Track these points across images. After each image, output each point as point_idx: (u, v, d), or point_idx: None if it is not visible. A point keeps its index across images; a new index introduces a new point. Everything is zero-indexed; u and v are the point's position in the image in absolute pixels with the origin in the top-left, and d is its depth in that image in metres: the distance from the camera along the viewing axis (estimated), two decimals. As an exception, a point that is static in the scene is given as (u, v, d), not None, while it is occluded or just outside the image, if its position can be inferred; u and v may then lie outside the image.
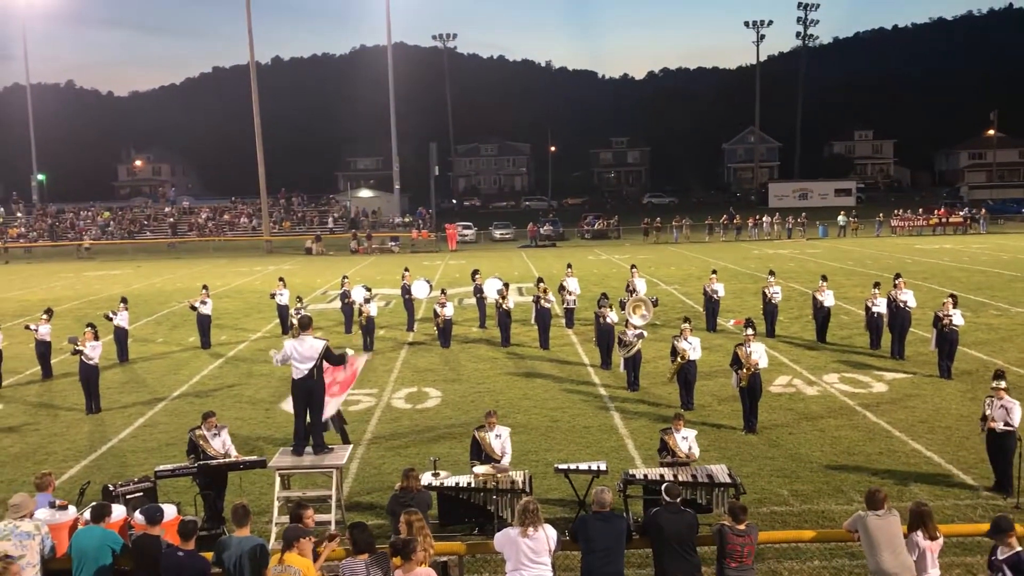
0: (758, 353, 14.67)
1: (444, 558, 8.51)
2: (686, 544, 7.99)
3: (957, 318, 17.53)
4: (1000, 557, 7.44)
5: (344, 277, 27.18)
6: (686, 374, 15.93)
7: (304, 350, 10.96)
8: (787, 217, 62.44)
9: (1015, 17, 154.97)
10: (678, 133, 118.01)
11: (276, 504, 10.66)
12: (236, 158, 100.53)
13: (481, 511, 10.47)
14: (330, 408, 11.56)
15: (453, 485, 10.58)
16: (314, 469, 11.09)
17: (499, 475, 10.58)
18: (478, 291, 25.60)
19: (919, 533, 7.93)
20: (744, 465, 12.68)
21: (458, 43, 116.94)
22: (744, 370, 14.50)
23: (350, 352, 12.23)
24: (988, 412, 11.50)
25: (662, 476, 10.43)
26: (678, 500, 8.40)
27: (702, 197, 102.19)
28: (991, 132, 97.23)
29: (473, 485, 10.50)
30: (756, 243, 56.83)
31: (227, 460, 11.15)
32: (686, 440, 11.26)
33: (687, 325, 16.46)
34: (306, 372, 10.94)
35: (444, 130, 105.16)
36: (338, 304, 27.61)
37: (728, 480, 10.45)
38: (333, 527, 9.97)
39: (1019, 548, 7.35)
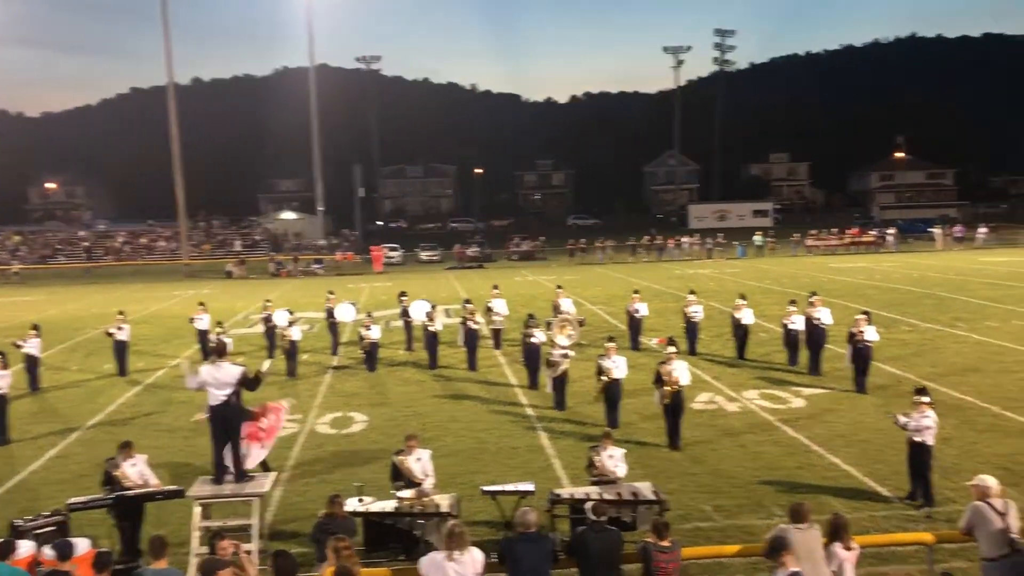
0: (680, 371, 14.91)
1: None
2: (612, 563, 8.04)
3: (870, 334, 18.10)
4: None
5: (266, 301, 26.73)
6: (611, 393, 16.08)
7: (221, 376, 10.74)
8: (707, 238, 63.77)
9: (919, 46, 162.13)
10: (601, 156, 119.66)
11: (195, 535, 10.38)
12: (154, 180, 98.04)
13: (407, 536, 10.37)
14: (254, 457, 11.30)
15: (378, 511, 10.47)
16: (235, 498, 10.84)
17: (424, 499, 10.51)
18: (404, 313, 25.46)
19: (837, 544, 8.14)
20: (668, 482, 12.83)
21: (382, 65, 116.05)
22: (667, 388, 14.71)
23: (265, 366, 12.09)
24: (909, 423, 11.83)
25: (588, 495, 10.49)
26: (604, 519, 8.46)
27: (625, 219, 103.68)
28: (899, 155, 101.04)
29: (399, 510, 10.40)
30: (677, 263, 57.86)
31: (144, 490, 10.83)
32: (613, 458, 11.36)
33: (611, 344, 16.63)
34: (223, 399, 10.71)
35: (369, 152, 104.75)
36: (260, 328, 27.14)
37: (653, 497, 10.58)
38: (255, 557, 9.75)
39: (794, 569, 7.24)
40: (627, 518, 10.47)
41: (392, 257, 65.16)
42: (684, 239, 64.28)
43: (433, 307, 23.61)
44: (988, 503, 8.43)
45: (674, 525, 10.25)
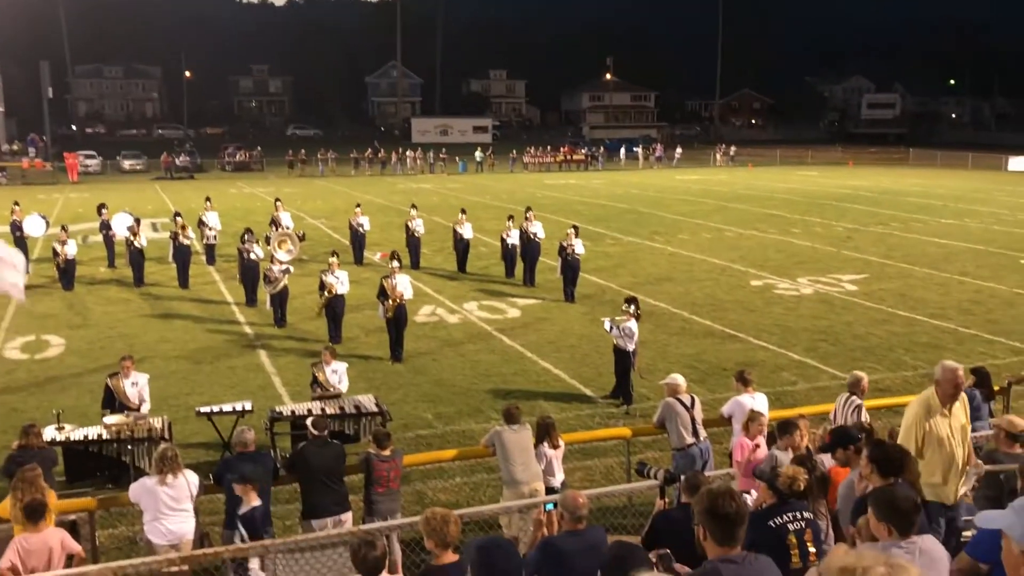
0: (403, 285, 15.06)
1: (72, 516, 7.86)
2: (333, 475, 8.08)
3: (579, 247, 19.27)
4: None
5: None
6: (334, 308, 15.96)
7: None
8: (429, 152, 64.22)
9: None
10: (322, 64, 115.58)
11: None
12: None
13: (116, 463, 9.79)
14: None
15: (81, 438, 9.76)
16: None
17: (136, 423, 9.93)
18: (105, 227, 23.50)
19: (545, 444, 8.71)
20: (391, 393, 13.05)
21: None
22: (390, 301, 14.83)
23: None
24: (614, 331, 12.77)
25: (309, 411, 10.41)
26: (325, 433, 8.45)
27: (347, 131, 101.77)
28: (608, 77, 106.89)
29: (105, 436, 9.75)
30: (400, 178, 57.89)
31: None
32: (336, 373, 11.32)
33: (334, 259, 16.45)
34: None
35: (59, 48, 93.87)
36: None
37: (375, 409, 10.71)
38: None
39: None
40: (350, 431, 10.54)
41: (89, 166, 59.52)
42: (407, 153, 64.26)
43: (137, 221, 21.99)
44: (678, 399, 9.36)
45: (396, 434, 10.48)
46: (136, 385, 10.65)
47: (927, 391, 6.62)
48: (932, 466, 6.35)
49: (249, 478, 7.25)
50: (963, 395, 6.63)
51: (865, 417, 8.74)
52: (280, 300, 17.28)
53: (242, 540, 6.99)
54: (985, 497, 6.74)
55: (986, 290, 20.28)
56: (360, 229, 24.12)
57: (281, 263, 17.64)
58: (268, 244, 20.10)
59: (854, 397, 9.04)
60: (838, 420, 9.06)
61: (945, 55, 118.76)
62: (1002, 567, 3.11)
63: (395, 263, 15.53)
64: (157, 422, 10.13)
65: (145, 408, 10.50)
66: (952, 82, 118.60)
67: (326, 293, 15.83)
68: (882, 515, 4.18)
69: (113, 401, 10.56)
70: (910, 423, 6.52)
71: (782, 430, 7.50)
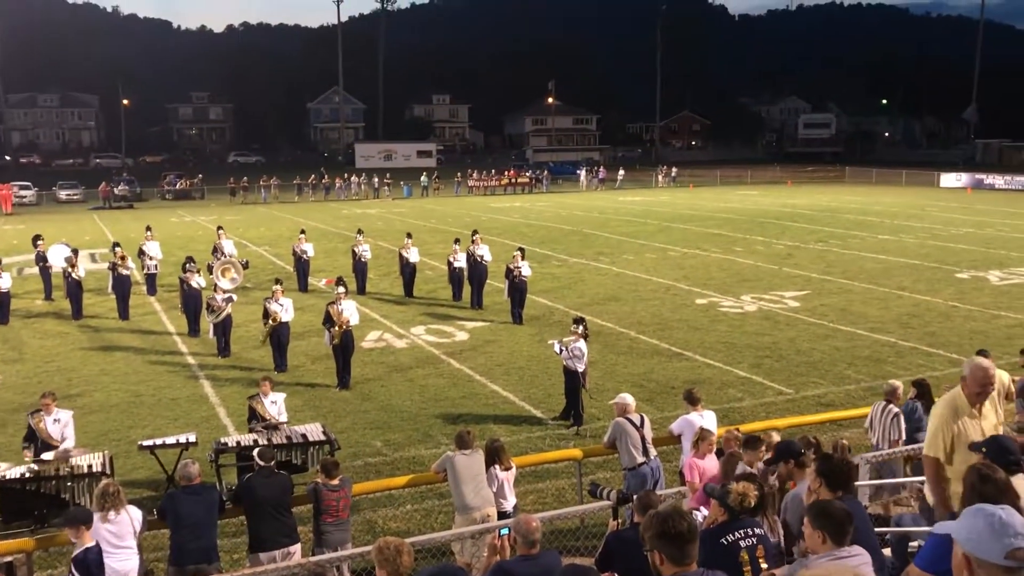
0: (349, 311, 14.92)
1: (9, 558, 7.59)
2: (281, 506, 7.92)
3: (525, 269, 19.33)
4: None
5: None
6: (279, 336, 15.76)
7: None
8: (373, 177, 63.97)
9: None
10: (263, 91, 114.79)
11: None
12: None
13: (54, 501, 9.47)
14: None
15: (17, 476, 9.44)
16: None
17: (73, 459, 9.65)
18: (41, 259, 22.93)
19: (496, 467, 8.66)
20: (339, 420, 12.88)
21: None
22: (336, 328, 14.68)
23: None
24: (563, 352, 12.78)
25: (255, 441, 10.22)
26: (272, 463, 8.29)
27: (290, 156, 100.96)
28: (550, 100, 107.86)
29: (40, 474, 9.45)
30: (345, 203, 57.52)
31: None
32: (275, 404, 11.14)
33: (278, 287, 16.26)
34: None
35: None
36: None
37: (323, 438, 10.55)
38: None
39: None
40: (297, 460, 10.37)
41: (24, 196, 58.07)
42: (352, 178, 63.91)
43: (75, 252, 21.48)
44: (627, 418, 9.39)
45: (345, 463, 10.34)
46: (59, 422, 10.34)
47: (953, 391, 5.99)
48: (962, 474, 5.20)
49: (76, 518, 6.88)
50: (993, 394, 5.99)
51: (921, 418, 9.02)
52: (223, 329, 16.96)
53: None
54: (930, 507, 6.84)
55: (923, 304, 20.78)
56: (304, 256, 23.88)
57: (224, 291, 17.35)
58: (210, 273, 19.79)
59: (891, 406, 9.31)
60: (875, 428, 9.36)
61: (876, 76, 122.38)
62: (950, 576, 3.15)
63: (340, 289, 15.39)
64: (97, 457, 9.84)
65: (69, 444, 10.18)
66: (884, 102, 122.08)
67: (270, 321, 15.63)
68: (817, 523, 4.33)
69: (36, 439, 10.25)
70: (936, 427, 5.87)
71: (748, 445, 7.65)
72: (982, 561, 2.90)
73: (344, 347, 14.84)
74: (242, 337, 17.90)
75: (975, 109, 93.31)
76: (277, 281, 16.76)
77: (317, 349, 16.76)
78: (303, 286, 23.61)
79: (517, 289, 19.35)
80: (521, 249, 20.28)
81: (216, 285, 17.89)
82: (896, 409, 9.38)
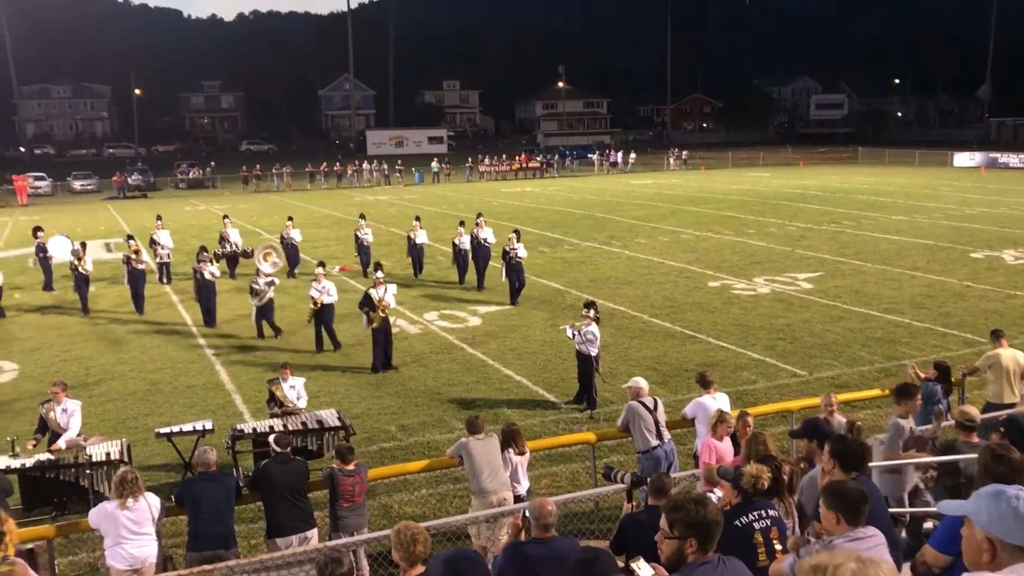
0: (390, 294, 15.11)
1: (30, 544, 7.68)
2: (297, 492, 7.99)
3: (521, 250, 19.54)
4: None
5: None
6: (324, 317, 16.12)
7: None
8: (384, 164, 63.97)
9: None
10: (273, 78, 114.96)
11: None
12: None
13: (73, 488, 9.58)
14: None
15: (36, 464, 9.55)
16: None
17: (89, 447, 9.76)
18: (41, 250, 23.04)
19: (511, 450, 8.70)
20: (354, 406, 12.95)
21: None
22: (377, 312, 14.80)
23: None
24: (576, 336, 12.80)
25: (271, 428, 10.30)
26: (288, 449, 8.36)
27: (301, 144, 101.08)
28: (561, 85, 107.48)
29: (59, 462, 9.56)
30: (357, 190, 57.59)
31: None
32: (294, 389, 11.22)
33: (320, 269, 16.55)
34: None
35: (4, 69, 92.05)
36: None
37: (338, 423, 10.61)
38: None
39: None
40: (313, 447, 10.44)
41: (39, 188, 58.36)
42: (363, 165, 63.93)
43: (83, 245, 21.29)
44: (641, 402, 9.40)
45: (360, 448, 10.40)
46: (67, 412, 10.44)
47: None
48: None
49: None
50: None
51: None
52: (265, 312, 17.17)
53: None
54: (944, 487, 6.85)
55: (937, 284, 20.68)
56: (292, 243, 24.29)
57: (266, 275, 17.54)
58: (218, 261, 19.92)
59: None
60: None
61: (889, 55, 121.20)
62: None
63: (379, 273, 15.50)
64: (115, 445, 9.94)
65: (70, 435, 10.27)
66: (896, 81, 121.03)
67: (312, 305, 15.95)
68: (831, 504, 4.37)
69: (46, 428, 10.40)
70: None
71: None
72: (1007, 544, 2.92)
73: (386, 331, 15.01)
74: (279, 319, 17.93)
75: (989, 87, 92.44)
76: (320, 264, 17.04)
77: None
78: (291, 272, 23.76)
79: (514, 270, 19.62)
80: (516, 231, 20.39)
81: (258, 269, 18.12)
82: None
